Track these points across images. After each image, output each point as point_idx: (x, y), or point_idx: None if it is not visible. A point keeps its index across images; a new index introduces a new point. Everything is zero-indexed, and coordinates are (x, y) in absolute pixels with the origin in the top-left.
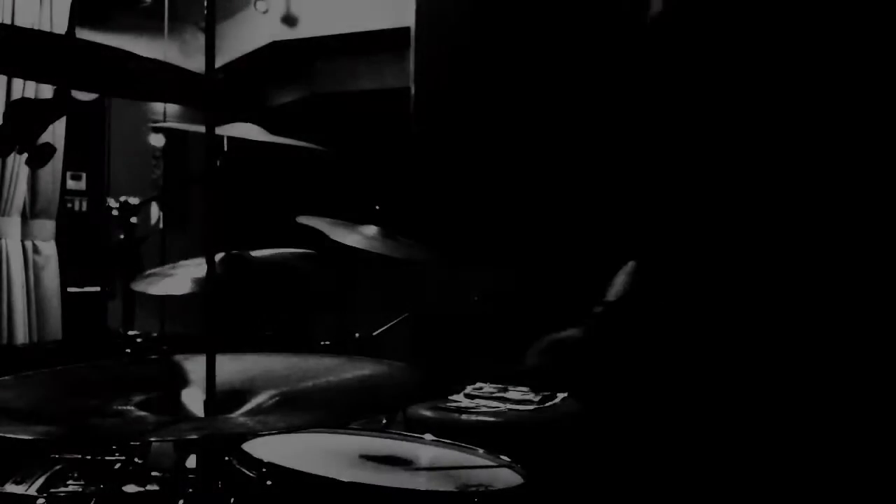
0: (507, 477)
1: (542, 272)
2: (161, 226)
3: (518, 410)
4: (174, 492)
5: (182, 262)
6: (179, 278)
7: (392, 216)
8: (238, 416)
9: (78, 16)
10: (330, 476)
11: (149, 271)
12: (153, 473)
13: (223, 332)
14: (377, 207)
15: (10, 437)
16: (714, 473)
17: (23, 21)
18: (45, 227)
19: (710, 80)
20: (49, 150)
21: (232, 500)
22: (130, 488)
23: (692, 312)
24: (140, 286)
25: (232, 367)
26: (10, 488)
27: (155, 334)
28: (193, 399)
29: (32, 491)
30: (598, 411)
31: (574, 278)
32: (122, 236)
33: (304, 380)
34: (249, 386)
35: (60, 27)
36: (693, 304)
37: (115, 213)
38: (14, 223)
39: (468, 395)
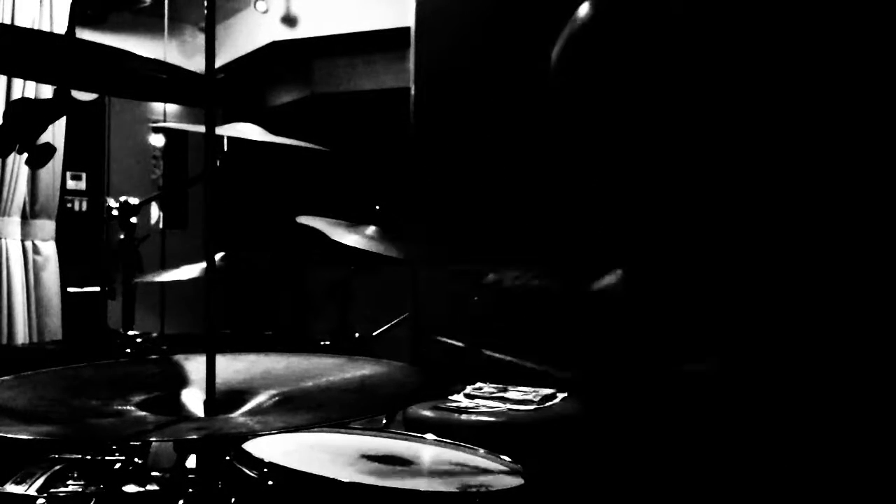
0: (507, 477)
1: (542, 272)
2: (161, 226)
3: (518, 410)
4: (174, 492)
5: (180, 267)
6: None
7: (392, 216)
8: (238, 416)
9: (78, 16)
10: (330, 476)
11: (147, 276)
12: (153, 473)
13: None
14: (377, 207)
15: (10, 437)
16: (714, 473)
17: (23, 21)
18: (45, 227)
19: (702, 77)
20: (49, 150)
21: (232, 500)
22: (130, 488)
23: (690, 311)
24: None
25: (232, 367)
26: (10, 488)
27: (155, 334)
28: (193, 399)
29: (32, 491)
30: (598, 411)
31: (572, 279)
32: (122, 236)
33: (304, 380)
34: (249, 386)
35: (60, 27)
36: (691, 302)
37: (115, 213)
38: (14, 223)
39: (468, 395)
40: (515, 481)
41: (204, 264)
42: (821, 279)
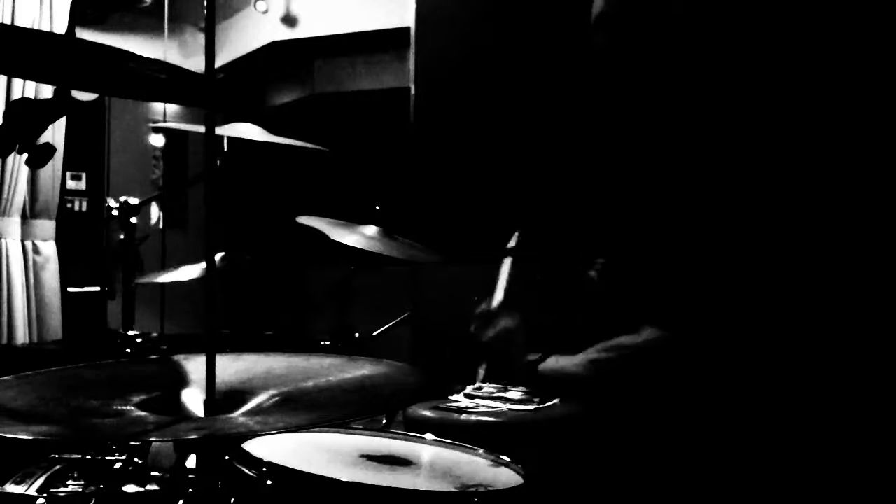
0: (507, 477)
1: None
2: (161, 226)
3: (518, 410)
4: (174, 492)
5: (180, 267)
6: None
7: (392, 216)
8: (238, 416)
9: (78, 16)
10: (330, 476)
11: (147, 277)
12: (153, 473)
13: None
14: (377, 207)
15: (10, 437)
16: (715, 473)
17: (23, 21)
18: (45, 227)
19: (696, 73)
20: (49, 150)
21: (232, 500)
22: (130, 488)
23: (690, 310)
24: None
25: (232, 367)
26: (10, 488)
27: (155, 334)
28: (193, 399)
29: (32, 491)
30: (598, 411)
31: (570, 276)
32: (122, 236)
33: (304, 380)
34: (249, 386)
35: (60, 27)
36: (690, 301)
37: (115, 213)
38: (14, 223)
39: (468, 395)
40: (515, 481)
41: (204, 264)
42: (816, 279)
